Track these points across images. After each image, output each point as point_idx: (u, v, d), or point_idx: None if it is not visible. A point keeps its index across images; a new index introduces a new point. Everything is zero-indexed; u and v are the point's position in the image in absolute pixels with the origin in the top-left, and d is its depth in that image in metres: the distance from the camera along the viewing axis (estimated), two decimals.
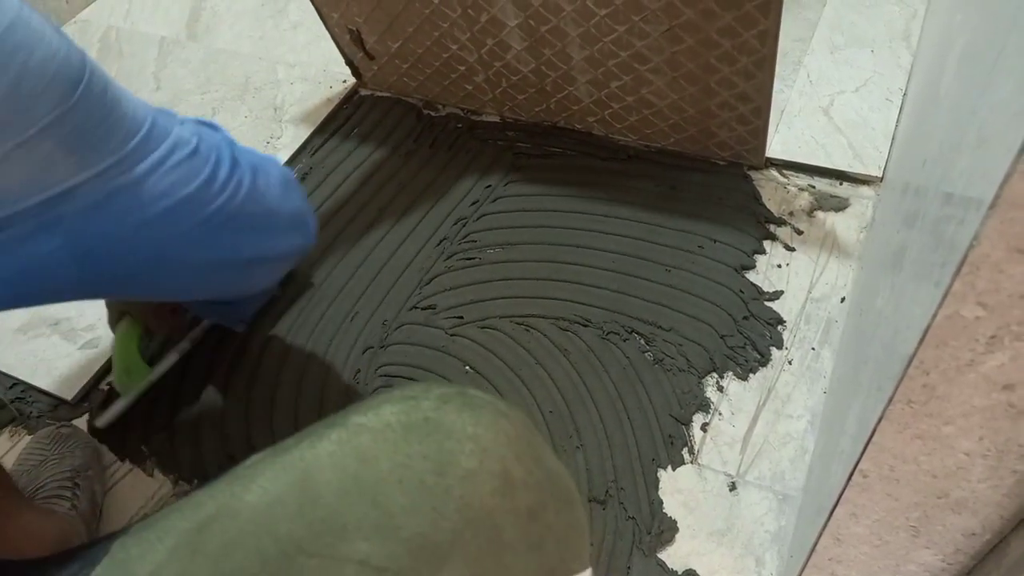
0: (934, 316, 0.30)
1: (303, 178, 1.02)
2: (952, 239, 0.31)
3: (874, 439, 0.38)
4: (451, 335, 0.83)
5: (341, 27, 1.01)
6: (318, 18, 1.02)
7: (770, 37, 0.72)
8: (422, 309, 0.87)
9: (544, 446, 0.36)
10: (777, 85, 0.99)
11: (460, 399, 0.34)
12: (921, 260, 0.39)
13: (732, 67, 0.78)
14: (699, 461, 0.70)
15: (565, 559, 0.34)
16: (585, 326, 0.82)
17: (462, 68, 0.98)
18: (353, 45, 1.04)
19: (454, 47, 0.95)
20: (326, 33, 1.04)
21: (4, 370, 0.85)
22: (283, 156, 1.05)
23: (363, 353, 0.84)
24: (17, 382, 0.85)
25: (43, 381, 0.84)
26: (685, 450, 0.71)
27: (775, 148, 0.92)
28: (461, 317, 0.85)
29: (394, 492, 0.30)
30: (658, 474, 0.70)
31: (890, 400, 0.35)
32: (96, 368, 0.84)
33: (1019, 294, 0.27)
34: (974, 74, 0.40)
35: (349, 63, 1.09)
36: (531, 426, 0.37)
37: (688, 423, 0.73)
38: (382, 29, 0.98)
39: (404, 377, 0.81)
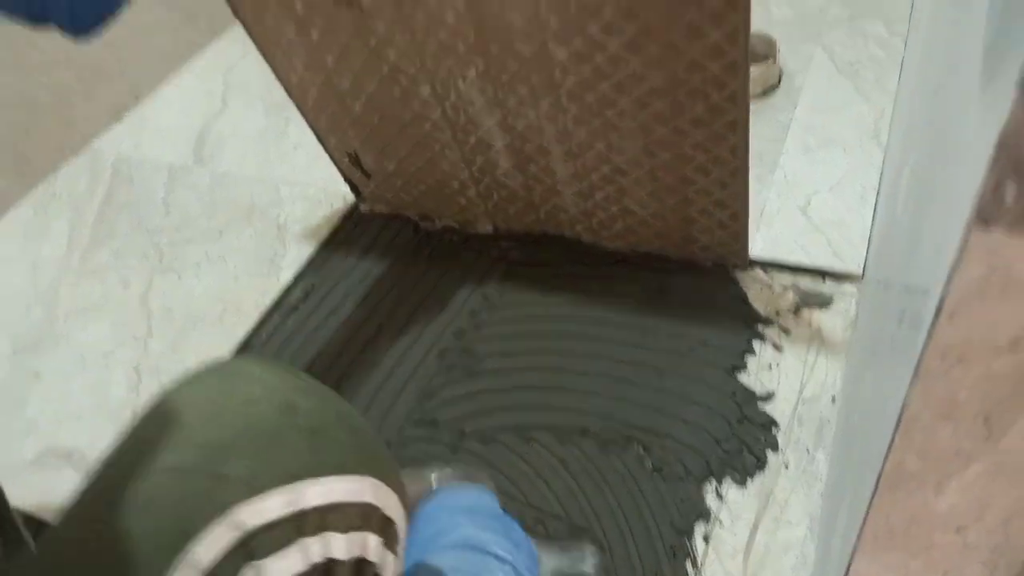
0: (883, 464, 0.32)
1: (306, 296, 1.06)
2: (887, 396, 0.33)
3: (852, 566, 0.40)
4: (454, 451, 0.85)
5: (340, 151, 1.07)
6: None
7: (740, 150, 0.76)
8: (425, 424, 0.88)
9: (340, 401, 0.45)
10: (756, 186, 1.03)
11: (263, 360, 0.45)
12: (876, 397, 0.41)
13: (707, 178, 0.82)
14: (703, 574, 0.70)
15: (351, 464, 0.41)
16: (583, 436, 0.83)
17: (455, 184, 1.03)
18: (351, 166, 1.09)
19: (446, 166, 1.00)
20: (325, 154, 1.10)
21: (18, 503, 0.87)
22: (287, 274, 1.09)
23: None
24: (31, 517, 0.86)
25: (55, 514, 0.85)
26: (688, 562, 0.71)
27: (757, 248, 0.96)
28: (463, 431, 0.87)
29: (194, 415, 0.39)
30: None
31: (859, 533, 0.37)
32: None
33: (953, 450, 0.29)
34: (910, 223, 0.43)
35: (348, 182, 1.14)
36: (330, 392, 0.45)
37: (690, 533, 0.73)
38: (378, 151, 1.03)
39: None
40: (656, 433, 0.81)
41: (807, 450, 0.77)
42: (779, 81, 1.16)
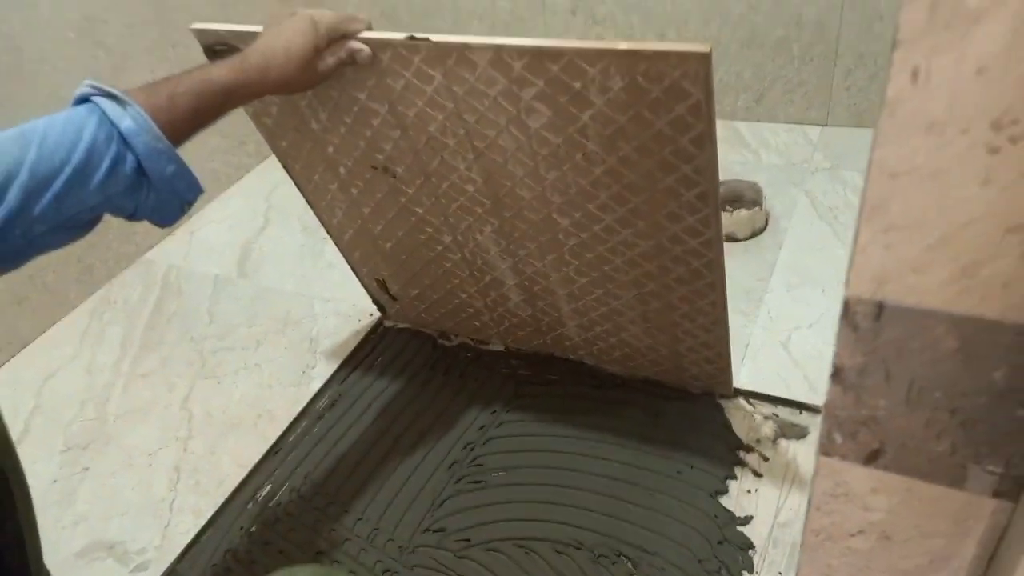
0: None
1: (332, 405, 1.17)
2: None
3: None
4: (459, 558, 0.93)
5: (369, 277, 1.20)
6: None
7: (719, 304, 0.88)
8: (434, 531, 0.97)
9: None
10: (742, 320, 1.15)
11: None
12: None
13: (693, 323, 0.93)
14: None
15: None
16: (579, 549, 0.92)
17: (470, 310, 1.15)
18: (379, 290, 1.22)
19: (463, 296, 1.12)
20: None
21: None
22: (316, 385, 1.20)
23: (383, 574, 0.93)
24: None
25: None
26: None
27: (742, 379, 1.06)
28: (468, 540, 0.95)
29: None
30: None
31: None
32: None
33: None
34: None
35: (376, 302, 1.27)
36: None
37: None
38: (404, 281, 1.16)
39: None
40: (644, 550, 0.90)
41: (779, 572, 0.85)
42: (766, 224, 1.29)
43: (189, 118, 0.71)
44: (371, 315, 1.31)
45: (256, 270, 1.48)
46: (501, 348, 1.21)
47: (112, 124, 0.65)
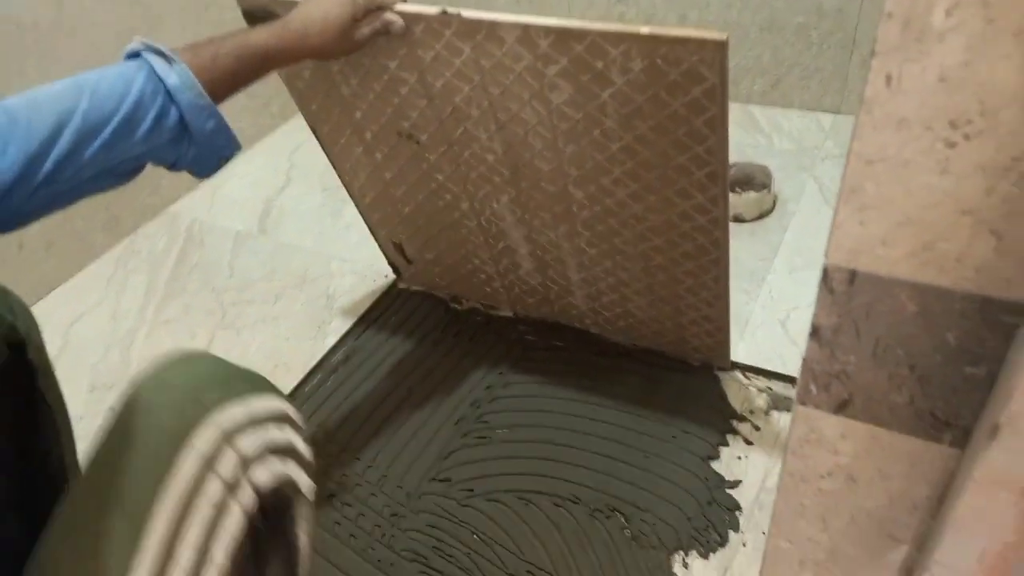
0: (767, 544, 0.47)
1: (346, 360, 1.22)
2: None
3: None
4: (463, 506, 0.99)
5: (387, 240, 1.25)
6: None
7: (722, 280, 0.92)
8: (440, 481, 1.03)
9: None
10: (743, 298, 1.19)
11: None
12: None
13: (696, 297, 0.98)
14: None
15: (270, 390, 0.60)
16: (575, 503, 0.97)
17: (483, 276, 1.20)
18: (396, 253, 1.27)
19: (476, 262, 1.17)
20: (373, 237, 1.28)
21: None
22: (331, 340, 1.25)
23: (391, 517, 1.00)
24: None
25: None
26: None
27: (740, 353, 1.11)
28: (472, 490, 1.01)
29: (175, 376, 0.57)
30: None
31: None
32: None
33: (806, 537, 0.44)
34: None
35: (391, 264, 1.32)
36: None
37: None
38: (420, 244, 1.21)
39: (426, 536, 0.96)
40: (637, 507, 0.95)
41: (763, 532, 0.90)
42: (773, 206, 1.34)
43: (230, 78, 0.76)
44: (386, 276, 1.36)
45: (276, 227, 1.53)
46: (510, 314, 1.26)
47: (159, 79, 0.70)
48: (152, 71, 0.70)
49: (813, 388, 0.37)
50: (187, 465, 0.52)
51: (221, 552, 0.52)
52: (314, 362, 1.23)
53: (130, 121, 0.69)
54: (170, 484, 0.51)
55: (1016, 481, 0.31)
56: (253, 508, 0.55)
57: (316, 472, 1.04)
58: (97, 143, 0.67)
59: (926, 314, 0.31)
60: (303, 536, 0.64)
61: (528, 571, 0.91)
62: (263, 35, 0.77)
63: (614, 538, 0.93)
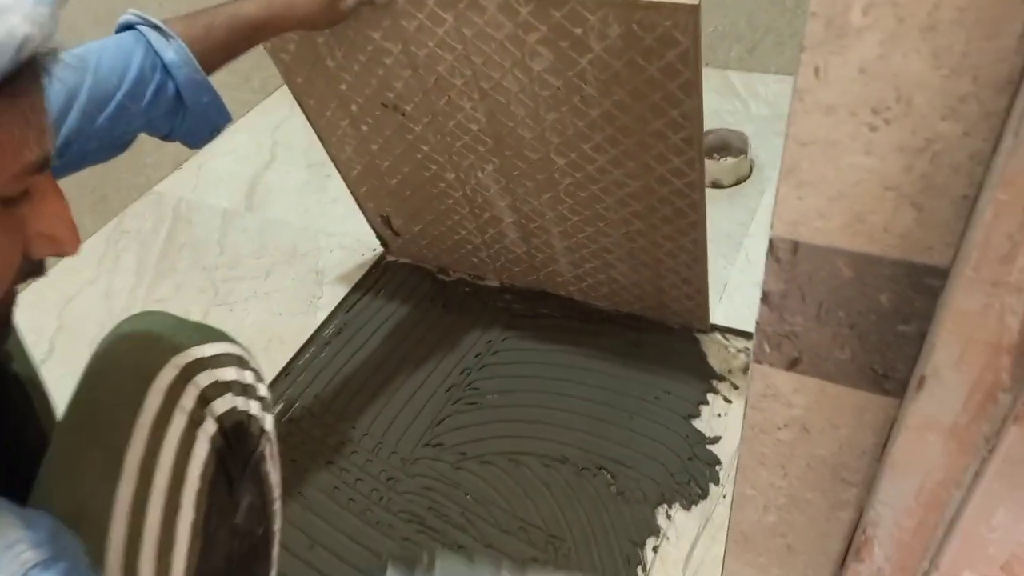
0: (733, 490, 0.51)
1: (339, 332, 1.26)
2: None
3: (725, 566, 0.59)
4: (456, 468, 1.04)
5: (374, 213, 1.28)
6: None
7: (700, 244, 0.96)
8: (433, 446, 1.07)
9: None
10: (721, 262, 1.23)
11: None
12: None
13: (675, 260, 1.01)
14: None
15: (222, 338, 0.66)
16: (563, 463, 1.02)
17: (469, 247, 1.23)
18: (383, 225, 1.30)
19: (463, 232, 1.20)
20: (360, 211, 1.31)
21: None
22: (323, 314, 1.29)
23: (387, 481, 1.04)
24: None
25: None
26: (639, 568, 0.90)
27: (719, 316, 1.15)
28: (464, 453, 1.05)
29: (136, 327, 0.63)
30: None
31: (726, 541, 0.56)
32: None
33: (767, 485, 0.48)
34: None
35: (379, 237, 1.35)
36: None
37: (643, 546, 0.92)
38: (407, 216, 1.23)
39: (421, 498, 1.00)
40: (622, 464, 1.00)
41: None
42: (750, 172, 1.36)
43: (222, 50, 0.78)
44: (374, 250, 1.39)
45: (263, 204, 1.55)
46: (496, 284, 1.29)
47: (156, 54, 0.73)
48: (149, 46, 0.72)
49: (767, 347, 0.40)
50: (152, 400, 0.58)
51: (194, 474, 0.58)
52: (307, 335, 1.26)
53: (131, 96, 0.71)
54: (140, 418, 0.57)
55: (942, 425, 0.35)
56: (218, 436, 0.60)
57: (313, 439, 1.08)
58: (102, 117, 0.70)
59: (861, 279, 0.35)
60: (272, 472, 0.70)
61: (520, 527, 0.96)
62: (252, 7, 0.79)
63: (601, 494, 0.97)
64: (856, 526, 0.47)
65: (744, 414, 0.46)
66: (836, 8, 0.27)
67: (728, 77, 1.63)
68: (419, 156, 1.07)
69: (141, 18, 0.73)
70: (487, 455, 1.05)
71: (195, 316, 1.31)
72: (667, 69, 0.75)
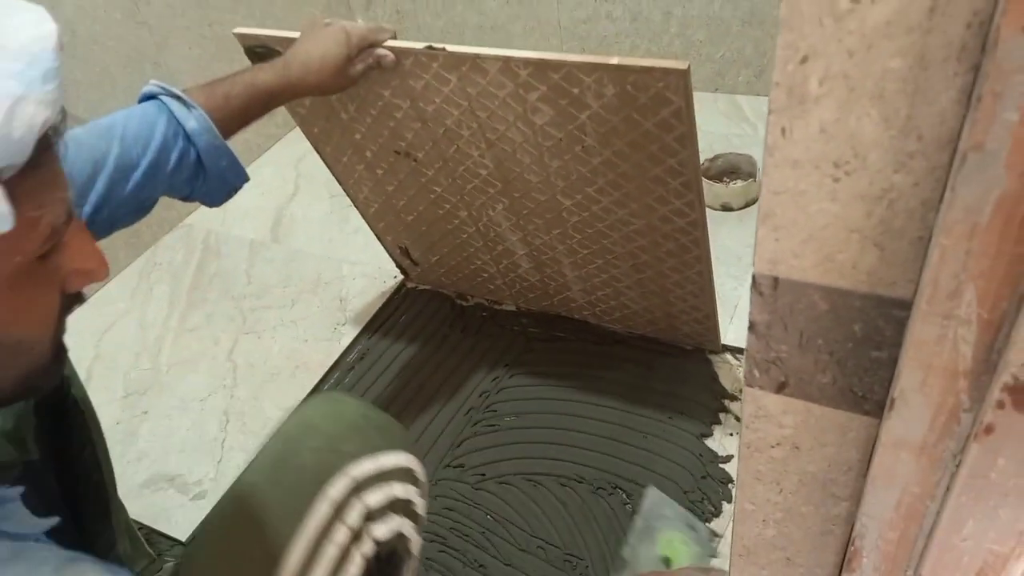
0: (734, 505, 0.54)
1: (361, 358, 1.30)
2: None
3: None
4: (476, 489, 1.07)
5: (393, 245, 1.33)
6: None
7: (705, 275, 0.99)
8: (453, 467, 1.11)
9: (387, 415, 0.71)
10: (732, 284, 1.26)
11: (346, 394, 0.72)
12: None
13: (683, 289, 1.05)
14: None
15: (400, 446, 0.68)
16: (580, 482, 1.05)
17: (485, 275, 1.28)
18: (402, 256, 1.35)
19: (478, 263, 1.24)
20: None
21: (135, 518, 1.11)
22: (346, 340, 1.33)
23: None
24: (142, 526, 1.10)
25: (163, 527, 1.09)
26: None
27: (731, 336, 1.18)
28: (483, 474, 1.09)
29: (319, 420, 0.67)
30: None
31: (730, 553, 0.59)
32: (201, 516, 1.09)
33: (766, 501, 0.51)
34: None
35: (398, 266, 1.40)
36: (381, 411, 0.71)
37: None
38: (424, 248, 1.28)
39: (443, 518, 1.04)
40: (637, 483, 1.03)
41: None
42: (760, 194, 1.40)
43: (239, 116, 0.83)
44: (395, 277, 1.44)
45: (288, 235, 1.60)
46: (513, 308, 1.33)
47: (179, 123, 0.77)
48: (172, 115, 0.77)
49: (756, 372, 0.44)
50: (321, 510, 0.60)
51: None
52: (331, 361, 1.30)
53: (156, 164, 0.75)
54: (305, 525, 0.60)
55: (912, 443, 0.38)
56: (372, 559, 0.63)
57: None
58: (129, 185, 0.74)
59: (835, 311, 0.39)
60: None
61: (538, 546, 0.99)
62: (268, 75, 0.83)
63: (617, 513, 1.00)
64: (848, 539, 0.50)
65: (740, 434, 0.49)
66: (796, 79, 0.31)
67: (737, 101, 1.67)
68: (432, 196, 1.12)
69: (163, 88, 0.77)
70: (506, 476, 1.08)
71: (225, 344, 1.37)
72: (662, 123, 0.78)
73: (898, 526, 0.43)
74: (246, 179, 0.85)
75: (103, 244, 0.53)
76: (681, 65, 0.70)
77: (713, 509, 0.98)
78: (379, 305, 1.39)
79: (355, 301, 1.41)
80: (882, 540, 0.44)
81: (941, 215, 0.31)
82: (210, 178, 0.80)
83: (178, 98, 0.77)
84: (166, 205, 1.63)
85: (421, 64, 0.87)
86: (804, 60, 0.31)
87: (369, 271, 1.47)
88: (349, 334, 1.35)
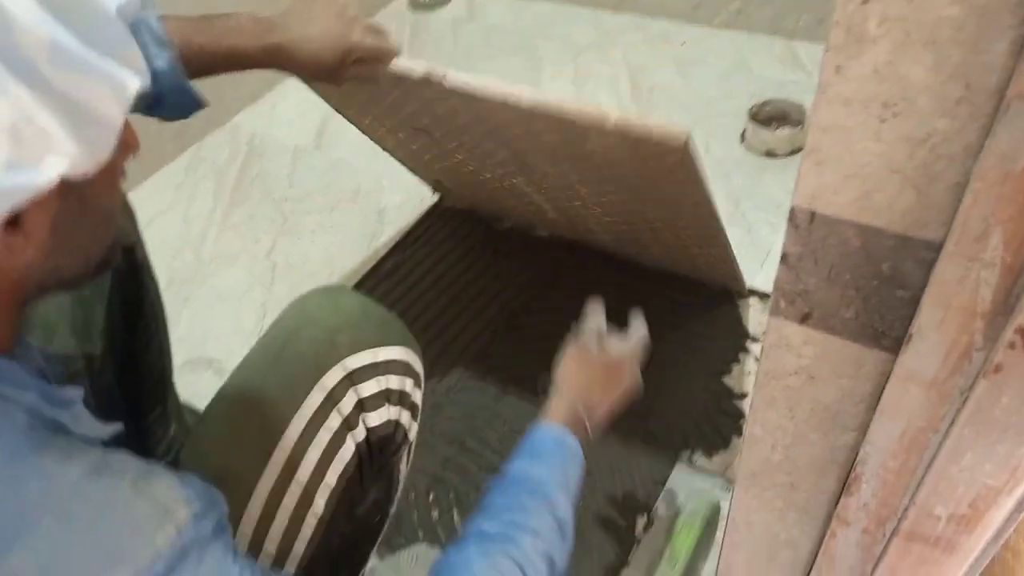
0: (744, 428, 0.58)
1: (396, 268, 1.34)
2: None
3: (734, 497, 0.65)
4: (496, 402, 1.12)
5: (426, 178, 1.35)
6: None
7: (726, 247, 1.00)
8: (476, 380, 1.16)
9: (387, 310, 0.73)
10: (767, 230, 1.27)
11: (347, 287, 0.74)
12: None
13: (706, 260, 1.07)
14: None
15: (399, 341, 0.71)
16: None
17: (517, 212, 1.29)
18: (437, 184, 1.37)
19: (509, 205, 1.27)
20: None
21: None
22: (382, 251, 1.37)
23: (432, 407, 1.13)
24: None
25: (200, 405, 1.15)
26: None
27: (760, 281, 1.20)
28: (505, 388, 1.14)
29: (316, 311, 0.70)
30: None
31: (737, 475, 0.62)
32: None
33: (774, 425, 0.55)
34: None
35: (435, 191, 1.42)
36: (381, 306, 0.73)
37: (663, 484, 0.99)
38: (456, 185, 1.31)
39: (462, 425, 1.09)
40: (652, 411, 1.07)
41: None
42: None
43: (208, 71, 0.76)
44: (432, 195, 1.46)
45: (331, 143, 1.63)
46: (546, 235, 1.36)
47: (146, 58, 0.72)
48: (142, 46, 0.71)
49: (782, 303, 0.47)
50: (315, 397, 0.64)
51: (333, 475, 0.64)
52: (366, 269, 1.34)
53: None
54: (301, 409, 0.63)
55: (924, 378, 0.41)
56: (364, 444, 0.66)
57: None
58: None
59: (867, 248, 0.41)
60: (402, 470, 0.76)
61: None
62: (254, 50, 0.76)
63: (629, 436, 1.05)
64: (850, 467, 0.54)
65: (759, 362, 0.52)
66: (855, 19, 0.33)
67: (794, 48, 1.63)
68: (455, 161, 1.13)
69: (140, 19, 0.69)
70: (527, 393, 1.13)
71: (264, 243, 1.41)
72: (669, 168, 0.77)
73: (900, 456, 0.46)
74: (206, 105, 0.78)
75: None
76: (679, 138, 0.66)
77: (722, 441, 1.02)
78: (415, 220, 1.42)
79: (392, 214, 1.44)
80: (883, 468, 0.48)
81: (979, 160, 0.33)
82: (167, 107, 0.75)
83: (152, 31, 0.70)
84: (214, 101, 1.66)
85: (419, 84, 0.83)
86: (865, 1, 0.32)
87: (408, 187, 1.49)
88: (385, 245, 1.38)
